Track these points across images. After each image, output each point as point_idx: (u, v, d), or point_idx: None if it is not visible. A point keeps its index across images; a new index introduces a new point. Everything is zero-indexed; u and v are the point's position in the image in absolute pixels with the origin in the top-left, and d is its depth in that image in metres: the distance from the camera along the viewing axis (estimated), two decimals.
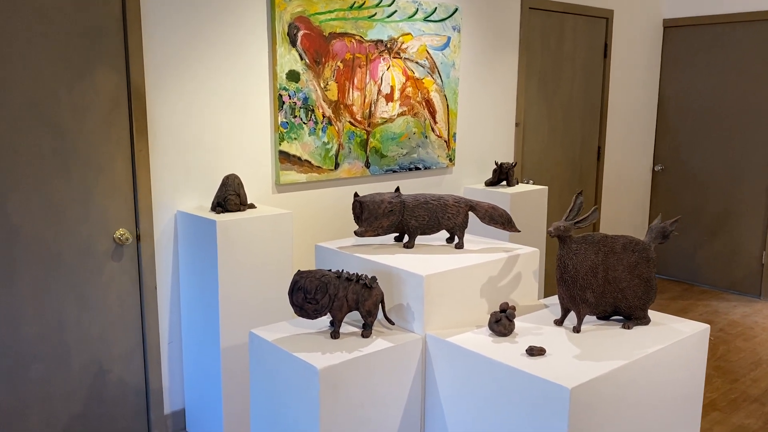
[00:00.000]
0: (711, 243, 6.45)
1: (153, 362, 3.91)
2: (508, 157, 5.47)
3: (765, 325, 5.50)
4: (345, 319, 2.64)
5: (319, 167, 4.35)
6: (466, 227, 2.87)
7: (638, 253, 2.58)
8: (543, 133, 5.70)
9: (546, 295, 5.73)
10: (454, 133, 5.02)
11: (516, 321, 2.58)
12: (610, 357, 2.28)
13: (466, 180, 5.20)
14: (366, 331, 2.51)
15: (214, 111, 3.90)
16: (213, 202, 3.81)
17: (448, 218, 2.84)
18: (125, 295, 3.78)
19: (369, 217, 2.79)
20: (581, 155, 6.02)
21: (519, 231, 2.88)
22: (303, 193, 4.38)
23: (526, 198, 4.92)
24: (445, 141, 4.97)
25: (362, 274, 2.51)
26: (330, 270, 2.50)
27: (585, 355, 2.30)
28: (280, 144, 4.18)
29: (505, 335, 2.50)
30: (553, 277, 5.90)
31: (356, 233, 2.80)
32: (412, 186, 4.90)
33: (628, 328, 2.57)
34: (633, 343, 2.40)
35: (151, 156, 3.74)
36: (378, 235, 2.83)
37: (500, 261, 2.75)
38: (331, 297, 2.44)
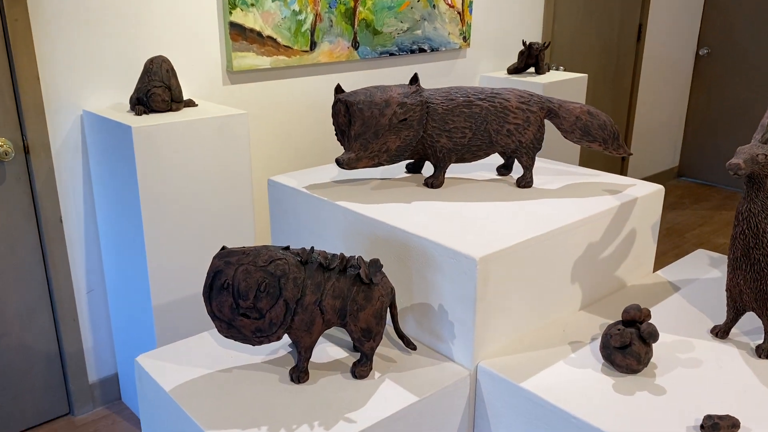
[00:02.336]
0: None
1: (66, 319, 2.68)
2: (534, 36, 4.01)
3: None
4: (324, 337, 1.31)
5: (288, 47, 2.91)
6: (539, 148, 1.49)
7: None
8: (577, 4, 4.19)
9: None
10: (471, 2, 3.53)
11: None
12: None
13: (483, 66, 3.76)
14: (362, 366, 1.19)
15: None
16: (132, 98, 2.44)
17: (507, 133, 1.45)
18: (15, 232, 2.51)
19: (365, 131, 1.40)
20: (619, 35, 4.54)
21: (631, 154, 1.51)
22: (266, 84, 2.95)
23: (562, 89, 3.53)
24: (459, 12, 3.50)
25: (353, 258, 1.16)
26: (287, 248, 1.14)
27: None
28: (230, 13, 2.74)
29: (635, 372, 1.19)
30: None
31: (340, 162, 1.42)
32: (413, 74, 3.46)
33: None
34: None
35: (34, 30, 2.38)
36: (380, 164, 1.46)
37: (608, 213, 1.39)
38: (288, 304, 1.10)
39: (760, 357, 1.23)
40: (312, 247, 1.13)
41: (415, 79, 1.47)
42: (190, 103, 2.55)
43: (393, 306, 1.20)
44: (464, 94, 1.45)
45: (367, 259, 1.36)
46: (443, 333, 1.24)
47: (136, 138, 2.22)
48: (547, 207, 1.38)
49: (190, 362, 1.20)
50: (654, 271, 1.63)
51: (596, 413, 1.07)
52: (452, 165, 1.67)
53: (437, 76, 3.58)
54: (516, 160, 1.51)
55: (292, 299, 1.09)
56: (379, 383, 1.16)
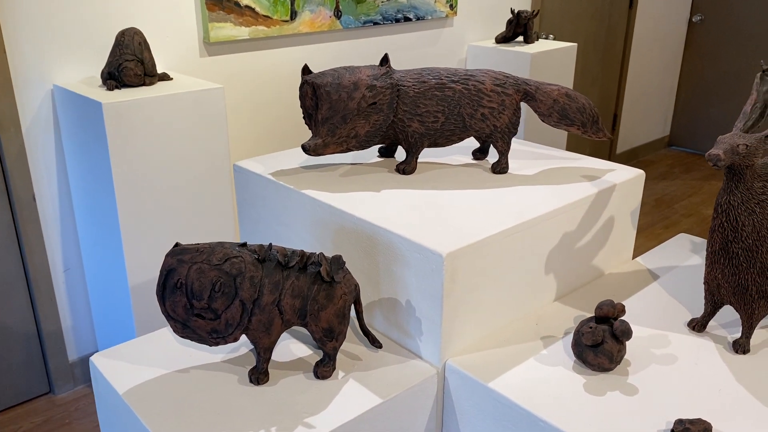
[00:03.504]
0: None
1: (43, 297, 2.62)
2: (523, 3, 3.88)
3: None
4: (288, 333, 1.25)
5: (267, 17, 2.81)
6: (515, 133, 1.42)
7: None
8: None
9: None
10: None
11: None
12: None
13: (471, 35, 3.65)
14: (324, 366, 1.14)
15: None
16: (103, 72, 2.35)
17: (481, 117, 1.38)
18: None
19: (332, 115, 1.33)
20: (611, 2, 4.41)
21: (610, 137, 1.45)
22: (245, 56, 2.86)
23: (551, 59, 3.43)
24: None
25: (314, 254, 1.10)
26: (243, 245, 1.08)
27: None
28: None
29: (607, 370, 1.14)
30: None
31: (306, 148, 1.35)
32: (399, 45, 3.36)
33: None
34: None
35: None
36: (349, 150, 1.39)
37: (585, 201, 1.33)
38: (245, 305, 1.04)
39: (736, 352, 1.19)
40: (270, 244, 1.07)
41: (385, 60, 1.39)
42: (165, 77, 2.46)
43: (358, 303, 1.15)
44: (437, 76, 1.37)
45: (333, 252, 1.30)
46: (410, 329, 1.19)
47: (107, 114, 2.14)
48: (521, 195, 1.32)
49: (146, 362, 1.15)
50: (638, 248, 1.58)
51: (564, 416, 1.03)
52: (426, 149, 1.60)
53: (423, 46, 3.47)
54: (494, 146, 1.44)
55: (249, 299, 1.04)
56: (343, 384, 1.11)
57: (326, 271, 1.07)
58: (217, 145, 2.41)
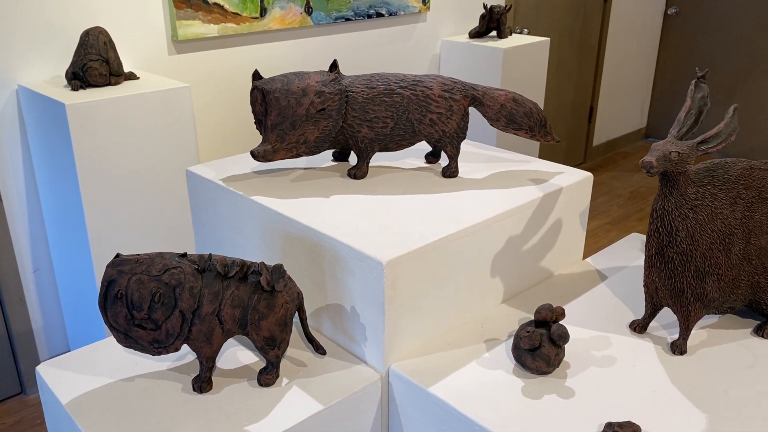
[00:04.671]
0: (726, 103, 5.05)
1: (12, 298, 2.62)
2: None
3: None
4: (235, 339, 1.26)
5: (236, 14, 2.80)
6: (464, 137, 1.43)
7: None
8: None
9: None
10: None
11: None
12: None
13: (444, 30, 3.65)
14: (267, 374, 1.16)
15: None
16: (67, 72, 2.34)
17: (430, 122, 1.39)
18: None
19: (281, 121, 1.33)
20: None
21: (558, 141, 1.46)
22: (214, 54, 2.85)
23: (523, 54, 3.44)
24: None
25: (254, 264, 1.11)
26: (184, 255, 1.09)
27: None
28: None
29: (545, 373, 1.16)
30: None
31: (255, 154, 1.36)
32: (371, 41, 3.35)
33: None
34: None
35: None
36: (299, 155, 1.39)
37: (531, 205, 1.34)
38: (185, 315, 1.05)
39: (674, 353, 1.21)
40: (210, 254, 1.08)
41: (334, 66, 1.40)
42: (131, 76, 2.45)
43: (301, 310, 1.16)
44: (385, 82, 1.38)
45: (281, 258, 1.31)
46: (356, 335, 1.20)
47: (71, 115, 2.13)
48: (469, 199, 1.34)
49: (93, 371, 1.16)
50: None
51: (501, 420, 1.05)
52: (379, 154, 1.61)
53: (396, 41, 3.47)
54: (444, 151, 1.45)
55: (189, 310, 1.05)
56: (286, 391, 1.13)
57: (266, 281, 1.08)
58: (184, 144, 2.40)
